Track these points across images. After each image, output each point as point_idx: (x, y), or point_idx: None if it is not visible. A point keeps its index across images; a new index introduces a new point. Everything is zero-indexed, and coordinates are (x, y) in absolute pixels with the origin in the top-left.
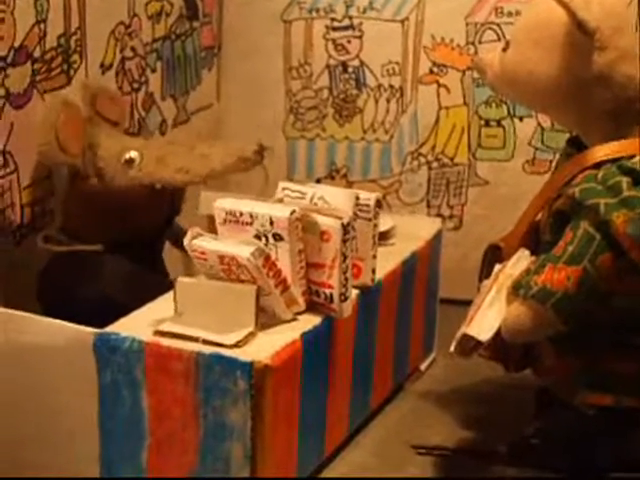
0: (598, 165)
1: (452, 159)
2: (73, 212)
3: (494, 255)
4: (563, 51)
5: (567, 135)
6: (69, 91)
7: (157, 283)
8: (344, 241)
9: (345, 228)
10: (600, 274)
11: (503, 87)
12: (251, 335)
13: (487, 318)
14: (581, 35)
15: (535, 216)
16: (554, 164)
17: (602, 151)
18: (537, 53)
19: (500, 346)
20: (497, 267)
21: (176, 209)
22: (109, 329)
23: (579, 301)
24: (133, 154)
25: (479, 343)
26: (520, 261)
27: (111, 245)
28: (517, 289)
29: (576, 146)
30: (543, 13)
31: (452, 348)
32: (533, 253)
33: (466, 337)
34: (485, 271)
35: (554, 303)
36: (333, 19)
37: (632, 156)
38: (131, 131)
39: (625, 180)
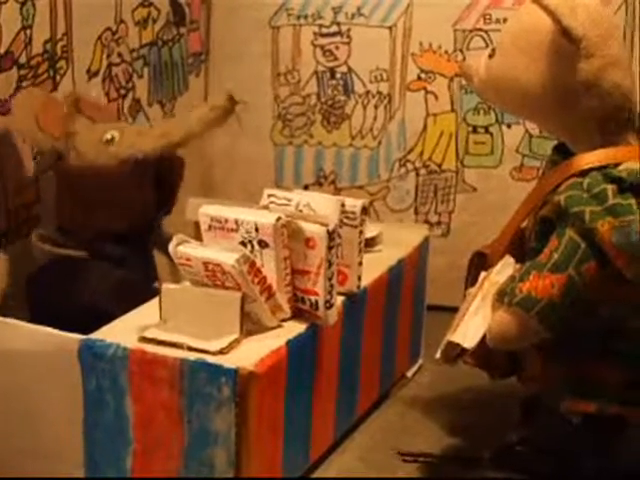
0: (584, 173)
1: (440, 166)
2: (61, 200)
3: (480, 262)
4: (549, 59)
5: (555, 142)
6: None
7: (145, 290)
8: (329, 248)
9: (330, 235)
10: (585, 282)
11: (489, 93)
12: (236, 342)
13: (472, 325)
14: (567, 43)
15: (521, 223)
16: (541, 171)
17: (588, 159)
18: (523, 60)
19: (485, 353)
20: (483, 274)
21: (166, 200)
22: (94, 336)
23: (564, 309)
24: (113, 133)
25: (464, 350)
26: (505, 268)
27: (99, 239)
28: (502, 296)
29: (562, 153)
30: (529, 21)
31: (437, 355)
32: (519, 260)
33: (451, 344)
34: (471, 278)
35: (538, 311)
36: (321, 25)
37: (618, 164)
38: None
39: (610, 188)
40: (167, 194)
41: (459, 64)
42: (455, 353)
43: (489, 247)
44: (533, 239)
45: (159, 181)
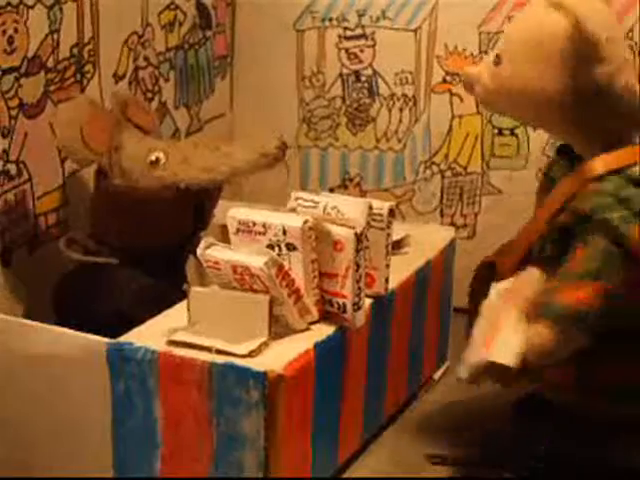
0: (600, 177)
1: (465, 168)
2: (99, 214)
3: (488, 273)
4: (563, 66)
5: None
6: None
7: (173, 297)
8: (357, 250)
9: (358, 238)
10: (619, 287)
11: (496, 102)
12: (264, 345)
13: (509, 343)
14: (583, 48)
15: (538, 234)
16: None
17: (602, 163)
18: (535, 68)
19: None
20: (493, 285)
21: (203, 220)
22: (122, 339)
23: (603, 316)
24: (158, 154)
25: (505, 368)
26: (531, 281)
27: (135, 252)
28: (541, 311)
29: (565, 154)
30: (541, 28)
31: (463, 375)
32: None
33: (488, 364)
34: (478, 289)
35: (582, 321)
36: (346, 28)
37: (631, 165)
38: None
39: (636, 192)
40: (205, 216)
41: (461, 73)
42: (489, 373)
43: (498, 257)
44: (549, 247)
45: (198, 206)
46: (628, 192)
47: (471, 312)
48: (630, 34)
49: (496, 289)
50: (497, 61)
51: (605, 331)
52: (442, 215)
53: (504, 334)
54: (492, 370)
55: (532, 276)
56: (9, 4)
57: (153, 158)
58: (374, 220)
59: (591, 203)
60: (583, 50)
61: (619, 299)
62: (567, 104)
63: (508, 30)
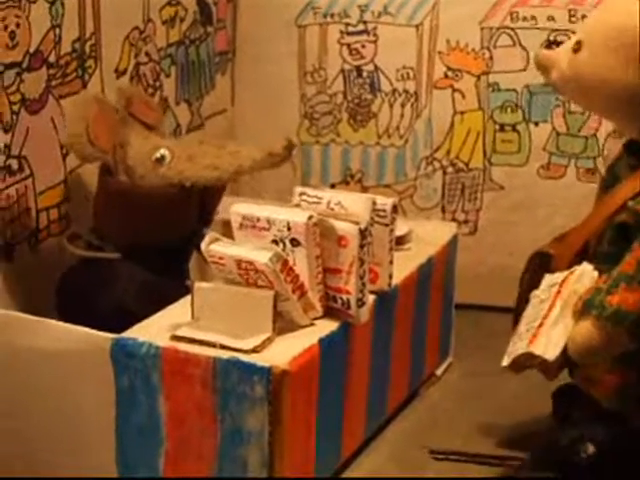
0: None
1: (467, 164)
2: (102, 210)
3: (542, 263)
4: None
5: (581, 140)
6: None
7: (175, 293)
8: (361, 246)
9: (362, 233)
10: None
11: (571, 90)
12: (268, 340)
13: (552, 336)
14: None
15: (598, 229)
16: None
17: None
18: (615, 60)
19: None
20: (547, 277)
21: (206, 217)
22: (126, 334)
23: None
24: (164, 152)
25: (544, 361)
26: (584, 276)
27: (137, 248)
28: (589, 308)
29: (633, 153)
30: (626, 20)
31: (505, 363)
32: (580, 263)
33: (528, 355)
34: (530, 278)
35: (629, 325)
36: (348, 24)
37: None
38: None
39: None
40: (208, 213)
41: (535, 54)
42: (532, 364)
43: (555, 248)
44: (606, 243)
45: (202, 203)
46: None
47: (520, 299)
48: None
49: (548, 280)
50: (577, 48)
51: None
52: (443, 211)
53: (548, 327)
54: (531, 361)
55: (585, 272)
56: None
57: (158, 155)
58: (378, 216)
59: None
60: None
61: None
62: None
63: (593, 18)
